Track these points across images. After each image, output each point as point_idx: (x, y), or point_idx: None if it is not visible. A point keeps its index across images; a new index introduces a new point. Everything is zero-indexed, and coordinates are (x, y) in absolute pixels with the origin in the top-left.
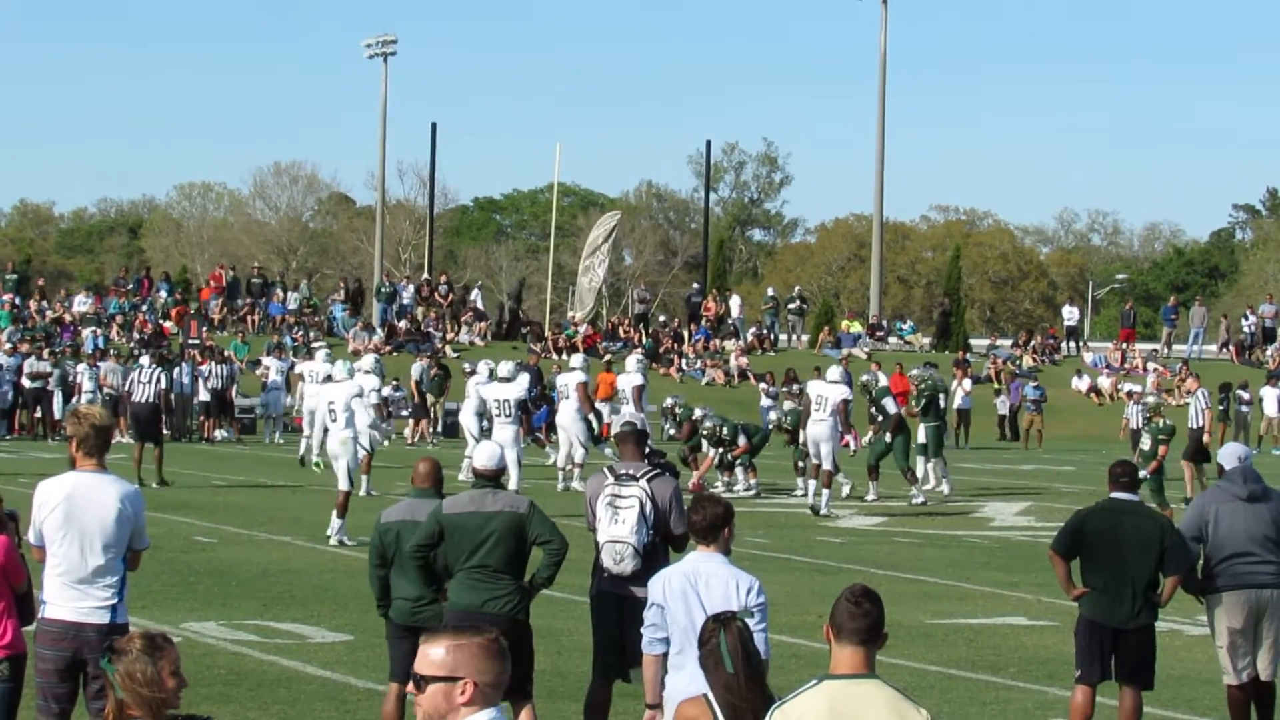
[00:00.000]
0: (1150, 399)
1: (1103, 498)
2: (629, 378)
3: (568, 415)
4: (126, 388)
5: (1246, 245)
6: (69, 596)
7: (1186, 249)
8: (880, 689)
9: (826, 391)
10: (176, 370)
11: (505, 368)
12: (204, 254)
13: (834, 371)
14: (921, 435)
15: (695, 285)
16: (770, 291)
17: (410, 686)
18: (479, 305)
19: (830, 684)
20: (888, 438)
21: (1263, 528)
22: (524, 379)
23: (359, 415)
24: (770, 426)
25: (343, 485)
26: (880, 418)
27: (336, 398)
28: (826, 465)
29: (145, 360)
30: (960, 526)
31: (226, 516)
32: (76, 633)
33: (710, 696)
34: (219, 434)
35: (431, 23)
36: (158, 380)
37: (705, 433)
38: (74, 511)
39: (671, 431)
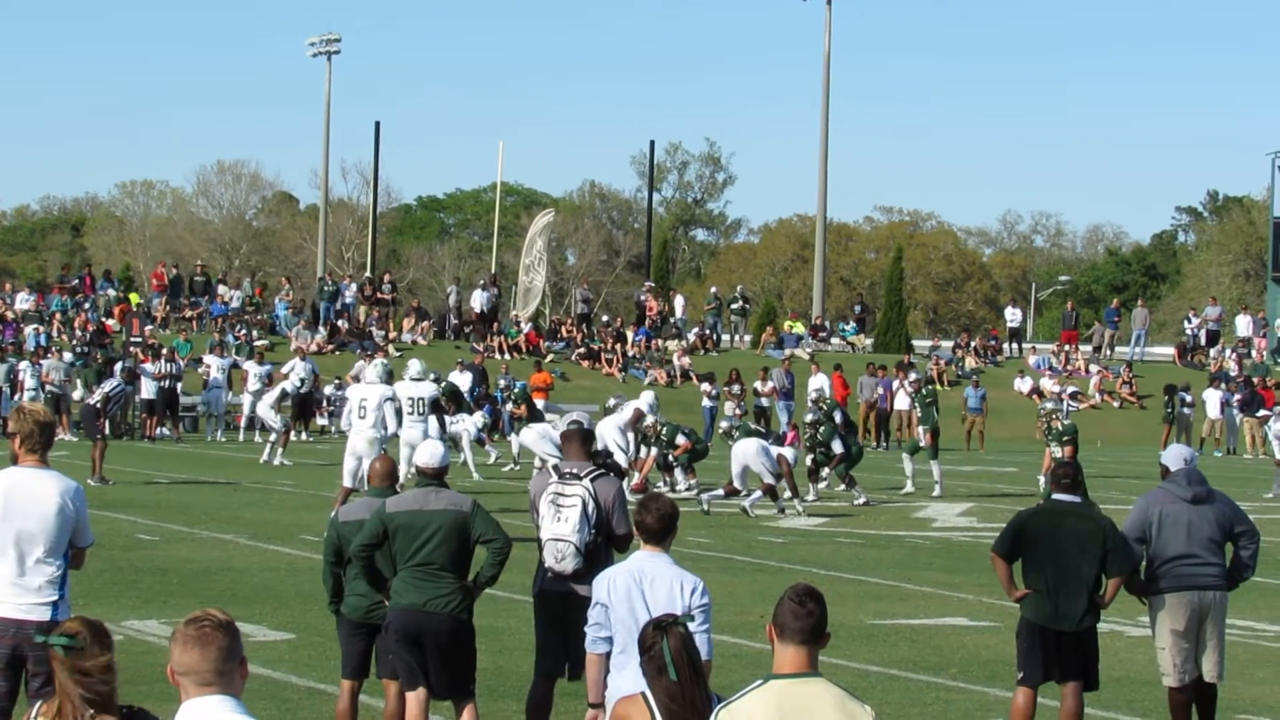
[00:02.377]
0: (1048, 404)
1: (1044, 499)
2: (640, 400)
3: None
4: (89, 389)
5: (1189, 248)
6: (9, 593)
7: (1124, 251)
8: (826, 687)
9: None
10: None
11: (415, 367)
12: (147, 252)
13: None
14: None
15: (647, 284)
16: (714, 290)
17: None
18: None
19: (776, 683)
20: (824, 472)
21: (1206, 530)
22: (464, 378)
23: (389, 420)
24: (721, 433)
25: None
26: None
27: (370, 397)
28: (766, 479)
29: (116, 372)
30: (902, 527)
31: (168, 515)
32: (17, 629)
33: (649, 696)
34: (161, 432)
35: (375, 21)
36: (111, 389)
37: (643, 433)
38: (13, 507)
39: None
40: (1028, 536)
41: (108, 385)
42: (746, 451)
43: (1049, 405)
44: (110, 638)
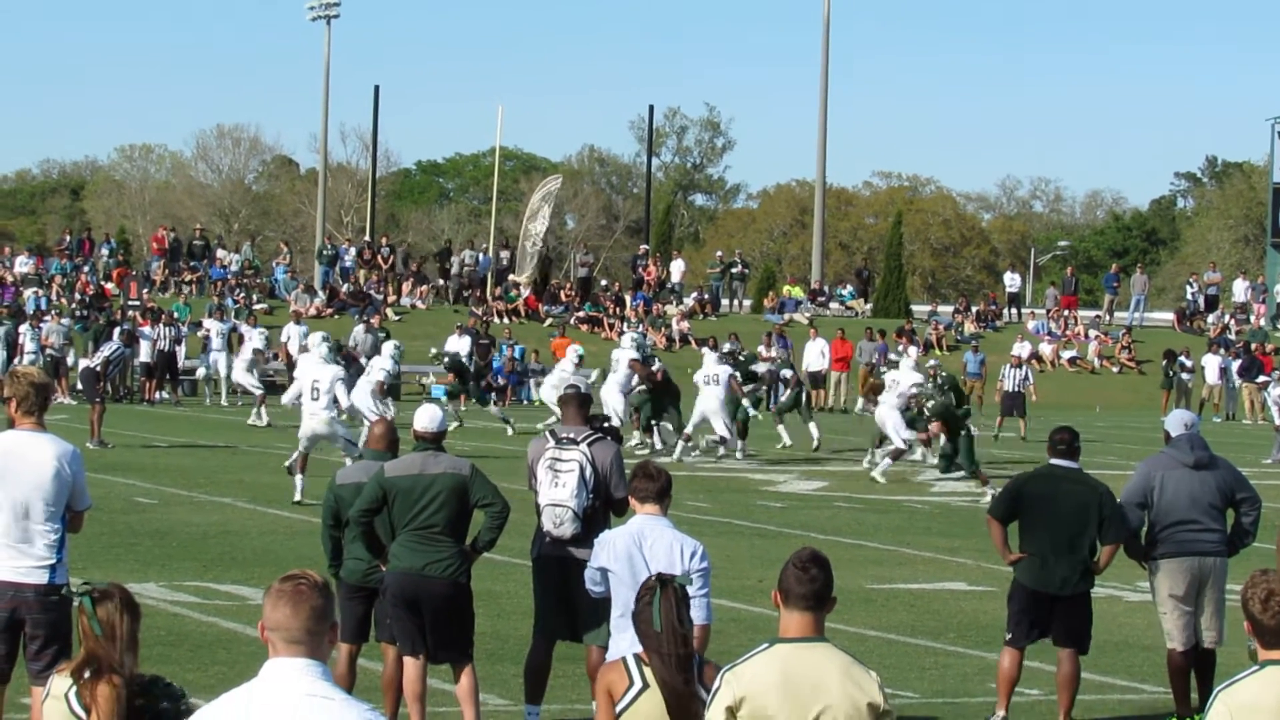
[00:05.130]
0: (914, 389)
1: (1041, 464)
2: (625, 352)
3: (610, 389)
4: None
5: (1188, 213)
6: (7, 556)
7: (1126, 216)
8: (831, 652)
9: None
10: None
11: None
12: (146, 216)
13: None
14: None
15: (643, 248)
16: (719, 254)
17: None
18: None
19: (782, 647)
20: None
21: (1208, 495)
22: (462, 342)
23: (341, 397)
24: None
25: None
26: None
27: (322, 378)
28: (721, 432)
29: (115, 336)
30: (901, 492)
31: (167, 478)
32: (15, 592)
33: (628, 660)
34: (160, 395)
35: None
36: (110, 352)
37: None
38: (9, 470)
39: None
40: (1025, 501)
41: (107, 349)
42: (708, 406)
43: (927, 387)
44: (138, 613)
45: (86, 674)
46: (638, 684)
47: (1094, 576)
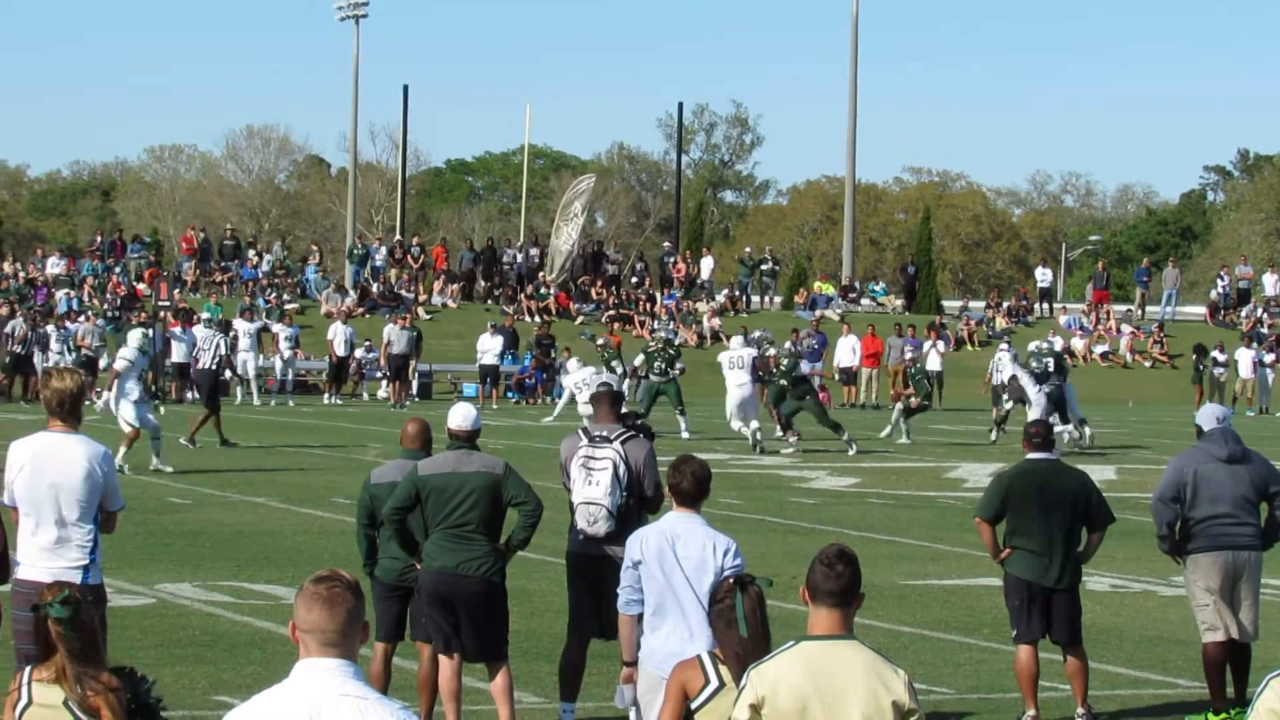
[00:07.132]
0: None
1: (1020, 460)
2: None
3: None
4: (193, 355)
5: (1218, 207)
6: (40, 557)
7: (1158, 210)
8: (858, 650)
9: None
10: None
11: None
12: (176, 216)
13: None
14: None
15: (667, 245)
16: (748, 250)
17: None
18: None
19: (807, 645)
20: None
21: (1241, 489)
22: (495, 341)
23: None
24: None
25: None
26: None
27: None
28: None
29: (201, 329)
30: (933, 488)
31: (200, 478)
32: None
33: (704, 658)
34: (191, 395)
35: None
36: (217, 347)
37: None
38: (40, 471)
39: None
40: (1014, 499)
41: (207, 342)
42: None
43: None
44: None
45: (80, 684)
46: (714, 682)
47: (1081, 567)
